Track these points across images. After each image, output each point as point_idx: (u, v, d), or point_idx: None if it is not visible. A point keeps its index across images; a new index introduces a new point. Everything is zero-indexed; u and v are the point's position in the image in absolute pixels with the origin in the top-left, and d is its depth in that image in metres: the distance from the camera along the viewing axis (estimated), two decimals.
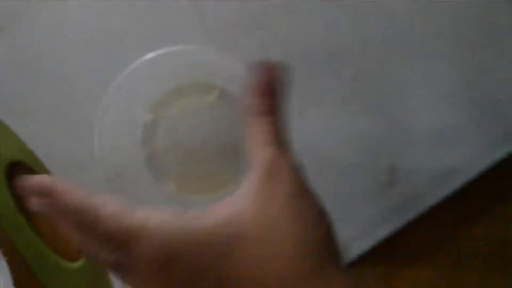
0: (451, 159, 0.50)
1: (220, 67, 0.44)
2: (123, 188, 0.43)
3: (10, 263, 0.46)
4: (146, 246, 0.24)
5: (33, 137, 0.49)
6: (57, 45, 0.50)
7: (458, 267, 0.49)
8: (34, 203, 0.27)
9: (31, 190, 0.27)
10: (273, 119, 0.29)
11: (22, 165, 0.49)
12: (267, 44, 0.51)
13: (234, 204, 0.25)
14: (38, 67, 0.50)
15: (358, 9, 0.51)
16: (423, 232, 0.49)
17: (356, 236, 0.49)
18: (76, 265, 0.48)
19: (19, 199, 0.49)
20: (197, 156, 0.47)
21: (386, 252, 0.49)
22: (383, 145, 0.50)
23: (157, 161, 0.47)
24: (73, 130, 0.50)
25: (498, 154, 0.49)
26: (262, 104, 0.28)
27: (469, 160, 0.49)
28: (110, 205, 0.25)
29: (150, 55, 0.43)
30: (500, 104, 0.51)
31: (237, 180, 0.47)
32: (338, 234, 0.49)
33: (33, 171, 0.49)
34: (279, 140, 0.29)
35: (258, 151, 0.27)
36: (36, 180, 0.27)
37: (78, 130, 0.49)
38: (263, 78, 0.29)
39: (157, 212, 0.25)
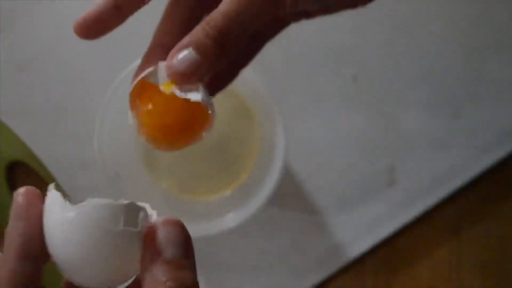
0: (451, 159, 0.50)
1: None
2: (123, 188, 0.43)
3: None
4: None
5: (33, 137, 0.49)
6: (57, 45, 0.50)
7: (458, 267, 0.49)
8: None
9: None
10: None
11: (22, 165, 0.49)
12: (267, 44, 0.50)
13: None
14: (38, 67, 0.50)
15: (358, 9, 0.51)
16: (423, 232, 0.49)
17: (356, 236, 0.49)
18: None
19: None
20: (197, 157, 0.47)
21: (386, 252, 0.49)
22: (383, 145, 0.50)
23: (157, 161, 0.47)
24: (73, 130, 0.50)
25: (497, 154, 0.49)
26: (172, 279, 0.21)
27: (468, 160, 0.49)
28: None
29: None
30: (500, 103, 0.51)
31: (235, 183, 0.47)
32: (338, 234, 0.49)
33: (33, 171, 0.49)
34: None
35: None
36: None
37: (78, 130, 0.49)
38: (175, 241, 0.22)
39: None
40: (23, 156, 0.49)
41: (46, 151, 0.49)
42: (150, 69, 0.28)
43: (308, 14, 0.29)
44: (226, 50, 0.25)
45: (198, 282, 0.21)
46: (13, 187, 0.49)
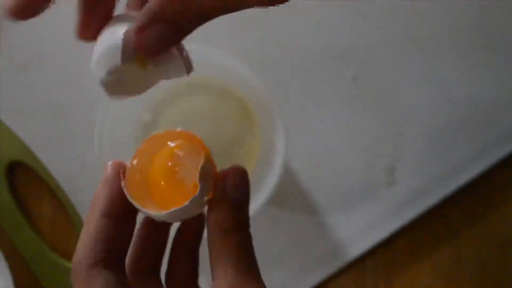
0: (451, 159, 0.50)
1: (220, 66, 0.44)
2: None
3: (10, 263, 0.46)
4: None
5: (33, 137, 0.49)
6: (57, 45, 0.50)
7: (458, 267, 0.49)
8: None
9: None
10: (243, 236, 0.26)
11: (22, 165, 0.49)
12: (267, 44, 0.51)
13: None
14: (38, 67, 0.50)
15: (358, 9, 0.51)
16: (423, 232, 0.49)
17: (356, 236, 0.49)
18: None
19: (19, 199, 0.49)
20: None
21: (386, 252, 0.49)
22: (383, 145, 0.50)
23: None
24: (73, 130, 0.50)
25: (497, 154, 0.49)
26: (233, 217, 0.26)
27: (468, 160, 0.49)
28: None
29: None
30: (500, 103, 0.51)
31: None
32: (338, 234, 0.49)
33: (33, 171, 0.49)
34: (246, 264, 0.26)
35: (221, 274, 0.25)
36: None
37: (78, 130, 0.49)
38: (240, 187, 0.26)
39: None
40: (23, 156, 0.49)
41: (46, 151, 0.49)
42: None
43: None
44: (196, 18, 0.25)
45: (249, 216, 0.27)
46: (13, 187, 0.49)
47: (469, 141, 0.50)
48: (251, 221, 0.42)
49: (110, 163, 0.27)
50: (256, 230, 0.49)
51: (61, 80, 0.50)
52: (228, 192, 0.26)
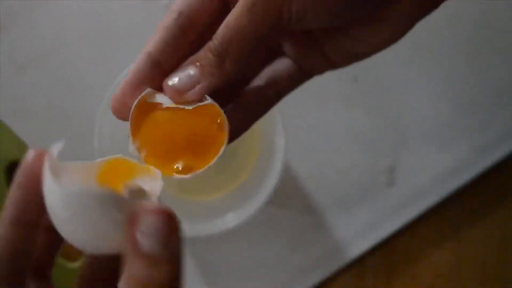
0: (451, 159, 0.50)
1: None
2: None
3: None
4: None
5: (33, 137, 0.49)
6: (57, 45, 0.50)
7: (458, 267, 0.49)
8: None
9: None
10: None
11: None
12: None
13: None
14: (38, 67, 0.50)
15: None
16: (423, 232, 0.49)
17: (356, 236, 0.49)
18: (76, 265, 0.48)
19: None
20: None
21: (386, 252, 0.49)
22: (383, 145, 0.50)
23: None
24: (73, 130, 0.50)
25: (497, 154, 0.49)
26: (147, 277, 0.19)
27: (469, 160, 0.49)
28: None
29: None
30: (500, 103, 0.51)
31: (235, 183, 0.47)
32: (338, 234, 0.49)
33: None
34: None
35: None
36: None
37: (78, 130, 0.49)
38: (157, 236, 0.20)
39: None
40: (23, 156, 0.49)
41: None
42: (148, 89, 0.26)
43: (332, 63, 0.28)
44: (225, 60, 0.24)
45: (179, 275, 0.20)
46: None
47: (469, 141, 0.50)
48: (252, 221, 0.43)
49: (31, 153, 0.23)
50: (256, 230, 0.49)
51: (61, 80, 0.50)
52: (140, 240, 0.19)
